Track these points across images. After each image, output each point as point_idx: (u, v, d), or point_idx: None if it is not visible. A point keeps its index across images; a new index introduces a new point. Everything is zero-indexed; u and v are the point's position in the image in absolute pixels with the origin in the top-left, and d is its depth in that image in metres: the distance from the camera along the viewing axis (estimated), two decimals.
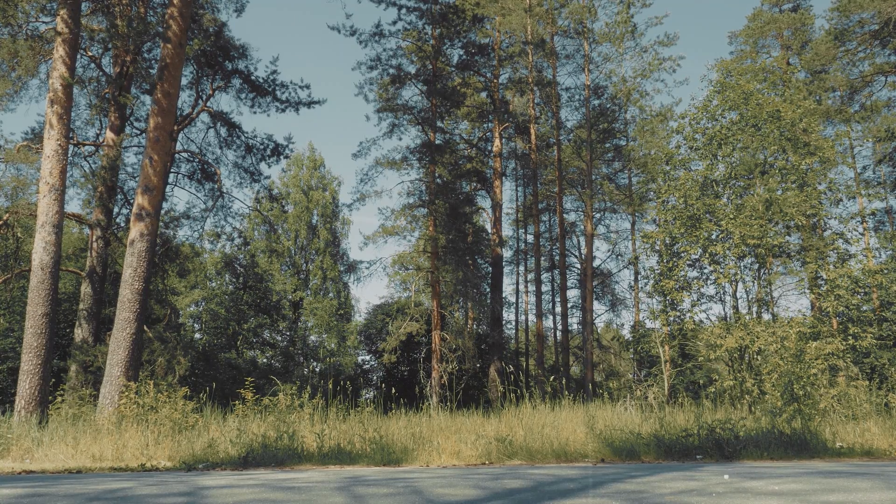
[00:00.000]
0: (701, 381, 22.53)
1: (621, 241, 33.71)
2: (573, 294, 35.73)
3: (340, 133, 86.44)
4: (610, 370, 39.72)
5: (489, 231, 29.12)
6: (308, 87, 20.59)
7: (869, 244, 25.52)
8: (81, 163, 19.49)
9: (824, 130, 25.44)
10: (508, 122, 27.36)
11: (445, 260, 24.45)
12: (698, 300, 16.43)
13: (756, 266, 16.21)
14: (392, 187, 50.88)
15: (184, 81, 18.48)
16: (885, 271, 19.97)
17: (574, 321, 35.20)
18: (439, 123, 26.02)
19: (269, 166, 28.58)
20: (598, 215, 32.66)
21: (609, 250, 35.48)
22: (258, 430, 8.67)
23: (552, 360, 34.96)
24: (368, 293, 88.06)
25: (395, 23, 24.62)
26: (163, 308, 21.40)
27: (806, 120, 16.29)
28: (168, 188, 18.79)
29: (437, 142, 25.28)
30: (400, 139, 77.52)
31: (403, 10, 24.61)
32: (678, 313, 16.41)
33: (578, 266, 33.30)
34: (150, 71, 18.17)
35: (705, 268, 16.48)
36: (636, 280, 29.97)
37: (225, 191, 20.50)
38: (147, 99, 19.92)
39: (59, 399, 12.83)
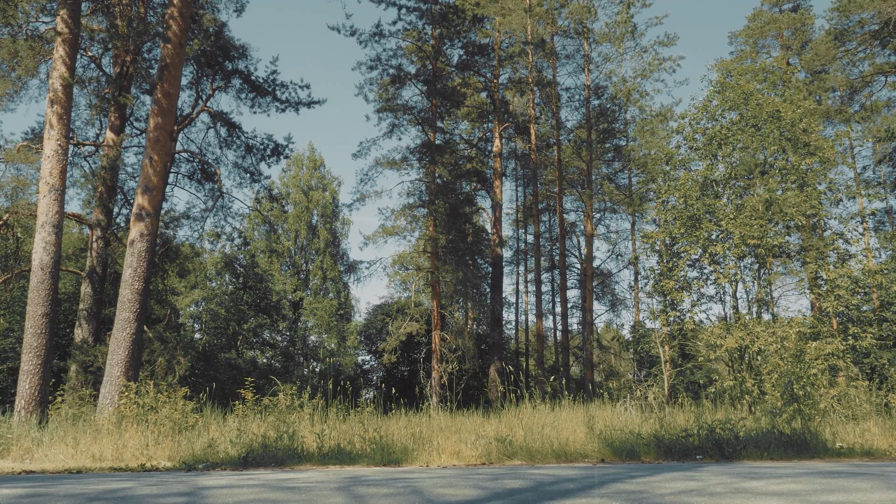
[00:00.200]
0: (701, 382, 22.54)
1: (621, 241, 33.73)
2: (573, 294, 35.76)
3: (340, 133, 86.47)
4: (610, 370, 39.73)
5: (489, 231, 29.13)
6: (308, 87, 20.61)
7: (869, 244, 25.51)
8: (81, 163, 19.50)
9: (824, 130, 25.43)
10: (508, 122, 27.36)
11: (445, 260, 24.45)
12: (698, 300, 16.43)
13: (756, 266, 16.21)
14: (392, 187, 50.92)
15: (184, 81, 18.49)
16: (885, 271, 19.97)
17: (574, 321, 35.23)
18: (439, 123, 26.02)
19: (269, 166, 28.59)
20: (598, 215, 32.67)
21: (609, 250, 35.50)
22: (258, 431, 8.67)
23: (552, 361, 34.96)
24: (368, 293, 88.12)
25: (395, 23, 24.64)
26: (163, 308, 21.40)
27: (806, 120, 16.29)
28: (168, 188, 18.79)
29: (437, 142, 25.28)
30: (400, 139, 77.57)
31: (403, 10, 24.63)
32: (678, 313, 16.41)
33: (578, 266, 33.30)
34: (150, 71, 18.17)
35: (705, 268, 16.48)
36: (636, 280, 29.98)
37: (225, 191, 20.52)
38: (147, 99, 19.94)
39: (59, 399, 12.83)
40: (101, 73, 18.65)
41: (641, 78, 29.88)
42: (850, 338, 14.68)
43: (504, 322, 32.14)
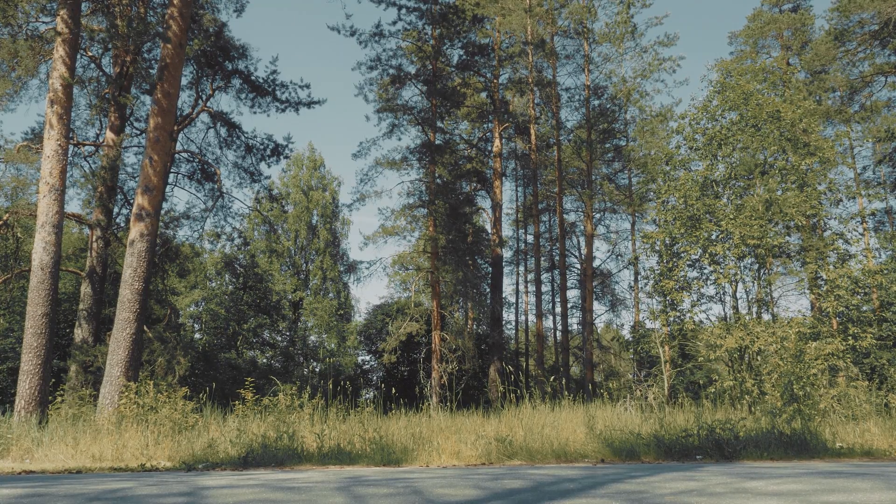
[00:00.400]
0: (701, 382, 22.54)
1: (621, 241, 33.74)
2: (573, 294, 35.77)
3: (340, 133, 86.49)
4: (610, 370, 39.74)
5: (489, 231, 29.12)
6: (308, 87, 20.61)
7: (869, 244, 25.52)
8: (81, 163, 19.50)
9: (824, 131, 25.45)
10: (508, 122, 27.36)
11: (445, 260, 24.45)
12: (698, 300, 16.43)
13: (756, 266, 16.21)
14: (392, 187, 50.90)
15: (184, 81, 18.49)
16: (885, 271, 19.98)
17: (574, 321, 35.24)
18: (439, 123, 26.02)
19: (269, 166, 28.61)
20: (598, 215, 32.67)
21: (609, 250, 35.51)
22: (258, 431, 8.67)
23: (552, 361, 34.96)
24: (368, 293, 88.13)
25: (394, 23, 24.63)
26: (163, 308, 21.39)
27: (806, 120, 16.29)
28: (168, 188, 18.80)
29: (437, 142, 25.28)
30: (400, 139, 77.50)
31: (403, 11, 24.62)
32: (678, 313, 16.40)
33: (578, 266, 33.30)
34: (150, 71, 18.17)
35: (705, 268, 16.48)
36: (636, 280, 29.98)
37: (225, 191, 20.52)
38: (147, 99, 19.94)
39: (59, 399, 12.83)
40: (101, 73, 18.65)
41: (641, 78, 29.89)
42: (850, 338, 14.67)
43: (504, 322, 32.15)
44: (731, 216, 15.40)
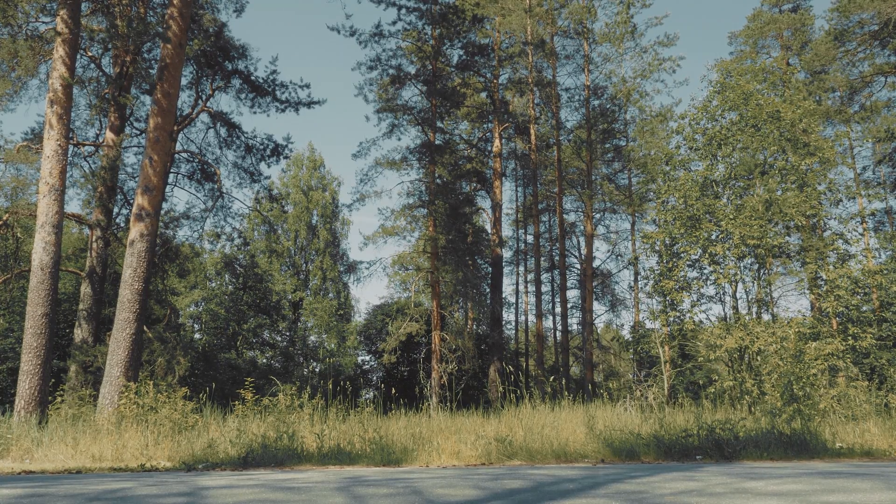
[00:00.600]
0: (701, 382, 22.53)
1: (621, 241, 33.73)
2: (573, 294, 35.77)
3: (340, 133, 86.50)
4: (610, 370, 39.75)
5: (489, 231, 29.12)
6: (308, 87, 20.61)
7: (869, 244, 25.52)
8: (81, 163, 19.50)
9: (824, 131, 25.46)
10: (508, 122, 27.36)
11: (445, 260, 24.44)
12: (698, 300, 16.43)
13: (756, 266, 16.21)
14: (392, 187, 50.91)
15: (184, 81, 18.49)
16: (885, 272, 19.98)
17: (574, 321, 35.23)
18: (439, 124, 26.02)
19: (269, 166, 28.62)
20: (597, 215, 32.67)
21: (609, 250, 35.50)
22: (258, 431, 8.66)
23: (552, 361, 34.96)
24: (368, 293, 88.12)
25: (394, 23, 24.63)
26: (163, 308, 21.39)
27: (806, 120, 16.29)
28: (168, 188, 18.79)
29: (437, 142, 25.28)
30: (400, 139, 77.58)
31: (403, 11, 24.62)
32: (678, 314, 16.41)
33: (578, 266, 33.30)
34: (150, 71, 18.17)
35: (705, 268, 16.48)
36: (636, 280, 29.98)
37: (225, 191, 20.52)
38: (147, 99, 19.94)
39: (59, 399, 12.82)
40: (101, 73, 18.65)
41: (641, 78, 29.89)
42: (849, 338, 14.68)
43: (504, 322, 32.14)
44: (731, 216, 15.41)
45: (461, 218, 24.72)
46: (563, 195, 30.64)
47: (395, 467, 7.38)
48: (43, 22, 14.82)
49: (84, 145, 19.08)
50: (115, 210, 18.54)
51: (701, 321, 16.32)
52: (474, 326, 34.18)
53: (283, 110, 20.26)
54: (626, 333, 36.44)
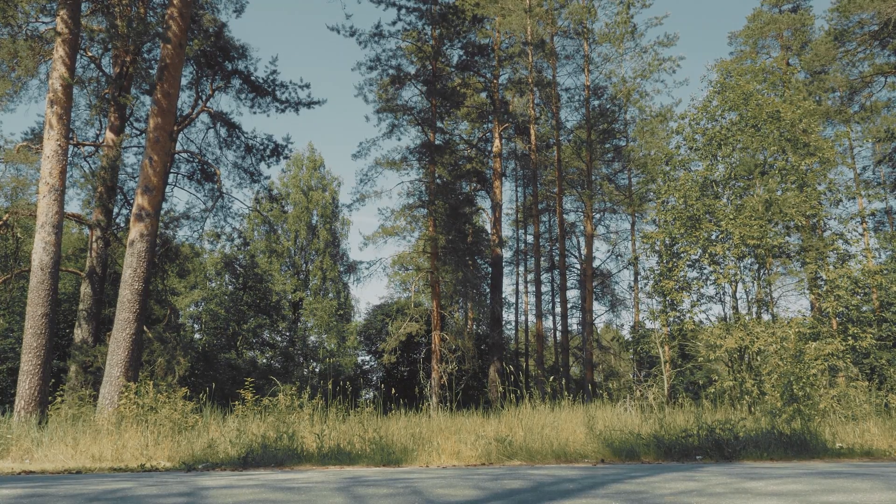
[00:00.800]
0: (701, 382, 22.52)
1: (621, 241, 33.73)
2: (573, 294, 35.76)
3: (340, 133, 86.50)
4: (610, 370, 39.74)
5: (489, 231, 29.12)
6: (308, 87, 20.62)
7: (869, 244, 25.52)
8: (81, 163, 19.50)
9: (824, 131, 25.46)
10: (508, 122, 27.36)
11: (445, 260, 24.44)
12: (698, 300, 16.43)
13: (756, 266, 16.21)
14: (392, 187, 50.85)
15: (184, 81, 18.49)
16: (885, 272, 19.98)
17: (574, 321, 35.24)
18: (439, 124, 26.02)
19: (269, 166, 28.64)
20: (597, 216, 32.67)
21: (609, 250, 35.49)
22: (258, 431, 8.66)
23: (552, 361, 34.96)
24: (368, 293, 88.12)
25: (394, 23, 24.63)
26: (163, 308, 21.39)
27: (806, 120, 16.30)
28: (168, 188, 18.79)
29: (437, 142, 25.28)
30: (400, 139, 77.47)
31: (403, 11, 24.62)
32: (678, 314, 16.41)
33: (578, 266, 33.31)
34: (150, 71, 18.17)
35: (705, 268, 16.48)
36: (636, 280, 29.98)
37: (225, 191, 20.52)
38: (147, 99, 19.94)
39: (59, 399, 12.82)
40: (101, 74, 18.65)
41: (641, 78, 29.89)
42: (849, 338, 14.68)
43: (504, 322, 32.14)
44: (731, 216, 15.41)
45: (461, 218, 24.72)
46: (563, 195, 30.64)
47: (395, 467, 7.38)
48: (43, 22, 14.83)
49: (84, 145, 19.08)
50: (115, 210, 18.55)
51: (701, 321, 16.33)
52: (474, 326, 34.18)
53: (283, 110, 20.27)
54: (626, 333, 36.46)
